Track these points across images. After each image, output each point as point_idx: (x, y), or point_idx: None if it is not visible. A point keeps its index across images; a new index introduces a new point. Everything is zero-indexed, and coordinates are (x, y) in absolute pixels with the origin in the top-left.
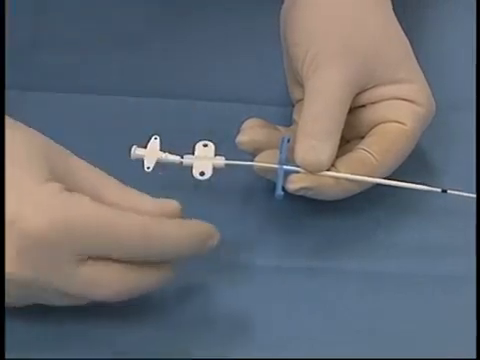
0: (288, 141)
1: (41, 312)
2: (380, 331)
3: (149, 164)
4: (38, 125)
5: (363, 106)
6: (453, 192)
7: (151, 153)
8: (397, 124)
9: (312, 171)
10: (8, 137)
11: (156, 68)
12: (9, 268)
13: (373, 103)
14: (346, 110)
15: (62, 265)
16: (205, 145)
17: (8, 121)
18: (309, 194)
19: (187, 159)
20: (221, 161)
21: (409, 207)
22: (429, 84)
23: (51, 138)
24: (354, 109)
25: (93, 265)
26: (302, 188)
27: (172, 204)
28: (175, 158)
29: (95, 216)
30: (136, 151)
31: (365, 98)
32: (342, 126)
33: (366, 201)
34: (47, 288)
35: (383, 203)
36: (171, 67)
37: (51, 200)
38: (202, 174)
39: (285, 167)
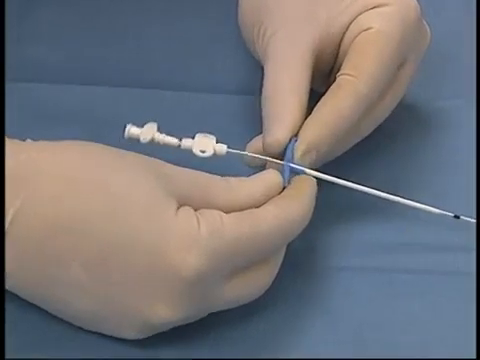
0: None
1: (42, 311)
2: (377, 330)
3: (145, 139)
4: (30, 117)
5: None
6: (466, 218)
7: (147, 132)
8: (364, 32)
9: (272, 151)
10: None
11: (153, 59)
12: (164, 313)
13: (343, 36)
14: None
15: (211, 292)
16: (205, 137)
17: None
18: (320, 158)
19: (186, 142)
20: (223, 147)
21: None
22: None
23: (44, 130)
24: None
25: (237, 278)
26: (305, 152)
27: (274, 177)
28: (173, 140)
29: (236, 235)
30: (131, 130)
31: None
32: (307, 90)
33: (365, 199)
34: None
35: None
36: (168, 58)
37: (192, 233)
38: (203, 152)
39: (291, 165)
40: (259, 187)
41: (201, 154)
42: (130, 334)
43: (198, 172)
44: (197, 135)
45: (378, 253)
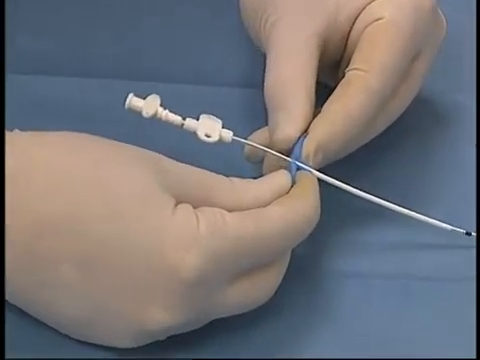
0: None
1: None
2: (378, 330)
3: (147, 114)
4: (25, 109)
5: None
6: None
7: (150, 105)
8: (374, 22)
9: (282, 147)
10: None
11: (151, 51)
12: (162, 317)
13: (352, 26)
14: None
15: (212, 296)
16: (210, 118)
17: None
18: (331, 157)
19: (190, 122)
20: (229, 133)
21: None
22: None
23: (38, 122)
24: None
25: (240, 281)
26: (313, 153)
27: (282, 180)
28: (176, 118)
29: (239, 235)
30: (132, 100)
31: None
32: (313, 78)
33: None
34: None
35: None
36: (167, 50)
37: (191, 231)
38: (208, 137)
39: (298, 163)
40: (266, 191)
41: (206, 139)
42: (124, 342)
43: (202, 170)
44: (201, 116)
45: (387, 257)
